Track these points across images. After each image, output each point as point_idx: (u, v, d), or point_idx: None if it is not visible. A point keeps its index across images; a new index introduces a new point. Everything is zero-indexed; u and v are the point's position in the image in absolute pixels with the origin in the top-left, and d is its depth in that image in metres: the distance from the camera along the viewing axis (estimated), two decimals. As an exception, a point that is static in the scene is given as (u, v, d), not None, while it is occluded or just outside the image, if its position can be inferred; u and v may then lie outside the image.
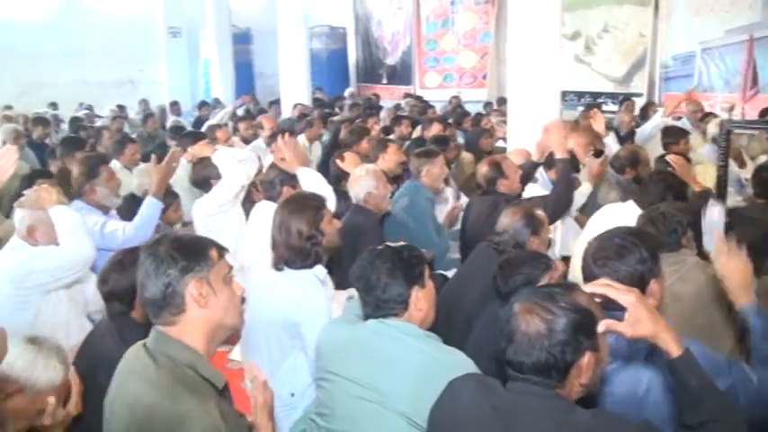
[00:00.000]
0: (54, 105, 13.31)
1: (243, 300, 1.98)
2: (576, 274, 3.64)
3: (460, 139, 7.44)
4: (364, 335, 2.29)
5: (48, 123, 8.95)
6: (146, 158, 6.11)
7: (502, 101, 11.15)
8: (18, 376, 2.12)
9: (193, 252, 1.84)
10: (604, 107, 11.07)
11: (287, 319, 2.78)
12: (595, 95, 12.47)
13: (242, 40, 16.51)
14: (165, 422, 1.68)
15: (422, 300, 2.31)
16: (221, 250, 1.92)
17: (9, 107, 12.61)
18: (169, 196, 4.49)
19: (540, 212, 3.35)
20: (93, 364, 2.53)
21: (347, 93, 14.84)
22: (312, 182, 3.93)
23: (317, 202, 3.01)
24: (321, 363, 2.42)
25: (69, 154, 5.81)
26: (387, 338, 2.23)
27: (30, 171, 5.55)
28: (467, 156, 6.68)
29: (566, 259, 4.41)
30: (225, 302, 1.87)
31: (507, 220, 3.33)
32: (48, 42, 15.19)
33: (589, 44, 12.84)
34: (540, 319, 1.69)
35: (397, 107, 11.34)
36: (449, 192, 5.57)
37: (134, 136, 7.64)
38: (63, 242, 3.29)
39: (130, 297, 2.64)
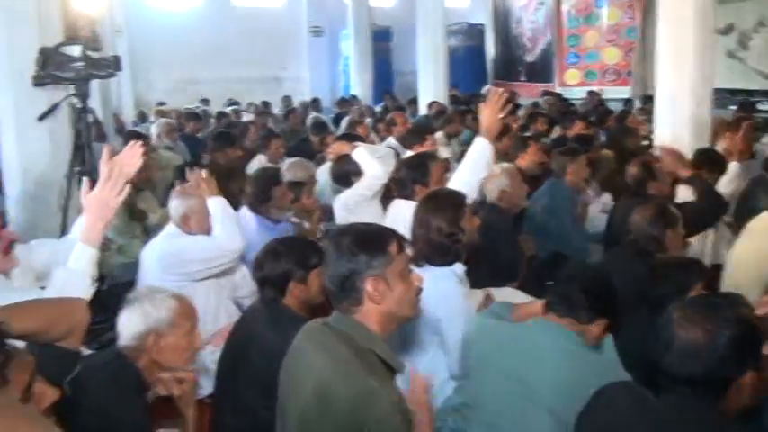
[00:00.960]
0: (205, 101, 13.99)
1: (419, 291, 2.00)
2: (728, 283, 3.44)
3: (602, 138, 7.20)
4: (516, 330, 2.26)
5: (199, 118, 9.43)
6: (289, 153, 6.32)
7: (647, 99, 10.70)
8: (145, 328, 2.24)
9: (374, 247, 1.88)
10: (759, 106, 10.38)
11: (426, 315, 2.78)
12: (749, 93, 11.72)
13: (381, 37, 16.72)
14: (351, 397, 1.74)
15: None
16: (402, 242, 1.94)
17: (162, 103, 13.39)
18: (296, 187, 4.62)
19: (673, 209, 3.22)
20: (246, 344, 2.69)
21: (484, 90, 14.72)
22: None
23: (457, 199, 2.99)
24: (469, 356, 2.41)
25: (220, 148, 6.08)
26: (539, 336, 2.19)
27: (183, 163, 5.86)
28: (607, 153, 6.45)
29: (716, 267, 4.17)
30: (400, 296, 1.90)
31: (638, 217, 3.25)
32: (198, 41, 15.97)
33: (743, 39, 12.10)
34: (701, 330, 1.60)
35: (535, 105, 11.13)
36: (590, 192, 5.40)
37: (277, 131, 7.90)
38: (216, 232, 3.44)
39: (283, 284, 2.75)
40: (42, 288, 2.75)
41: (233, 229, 3.48)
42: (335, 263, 1.88)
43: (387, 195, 4.73)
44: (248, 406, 2.66)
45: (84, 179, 2.75)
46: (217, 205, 3.52)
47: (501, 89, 3.79)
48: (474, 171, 3.59)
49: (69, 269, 2.46)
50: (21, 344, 1.68)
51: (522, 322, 2.30)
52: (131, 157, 2.60)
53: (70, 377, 1.84)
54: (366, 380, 1.76)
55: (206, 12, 16.50)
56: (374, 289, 1.85)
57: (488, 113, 3.54)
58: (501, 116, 3.58)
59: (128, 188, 2.56)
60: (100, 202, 2.49)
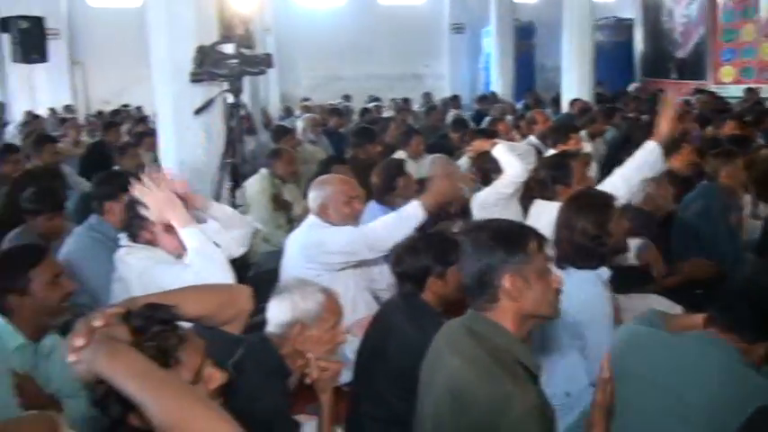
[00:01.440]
0: (347, 98, 14.31)
1: (558, 292, 1.97)
2: None
3: (760, 140, 6.74)
4: (673, 342, 2.16)
5: (342, 114, 9.67)
6: (429, 150, 6.35)
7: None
8: (292, 318, 2.30)
9: (512, 243, 1.86)
10: None
11: (567, 318, 2.71)
12: None
13: (524, 33, 16.47)
14: (487, 401, 1.73)
15: None
16: (542, 241, 1.91)
17: (307, 99, 13.81)
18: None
19: None
20: (384, 336, 2.73)
21: (631, 87, 14.17)
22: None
23: (605, 200, 2.89)
24: (615, 364, 2.33)
25: (361, 144, 6.20)
26: (700, 350, 2.07)
27: (326, 157, 6.02)
28: (764, 153, 6.02)
29: None
30: (538, 295, 1.87)
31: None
32: (342, 39, 16.35)
33: None
34: None
35: (687, 103, 10.58)
36: (747, 198, 5.07)
37: (417, 128, 7.96)
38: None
39: (421, 279, 2.77)
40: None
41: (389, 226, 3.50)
42: (473, 258, 1.87)
43: (526, 195, 4.66)
44: (384, 396, 2.70)
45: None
46: None
47: (673, 95, 3.66)
48: (639, 170, 3.50)
49: (194, 248, 2.69)
50: (188, 326, 1.76)
51: (680, 333, 2.18)
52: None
53: (233, 360, 1.92)
54: (501, 383, 1.73)
55: (350, 10, 16.86)
56: (511, 285, 1.83)
57: (667, 123, 3.46)
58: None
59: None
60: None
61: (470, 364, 1.81)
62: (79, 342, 1.43)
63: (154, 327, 1.53)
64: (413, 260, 2.80)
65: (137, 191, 2.77)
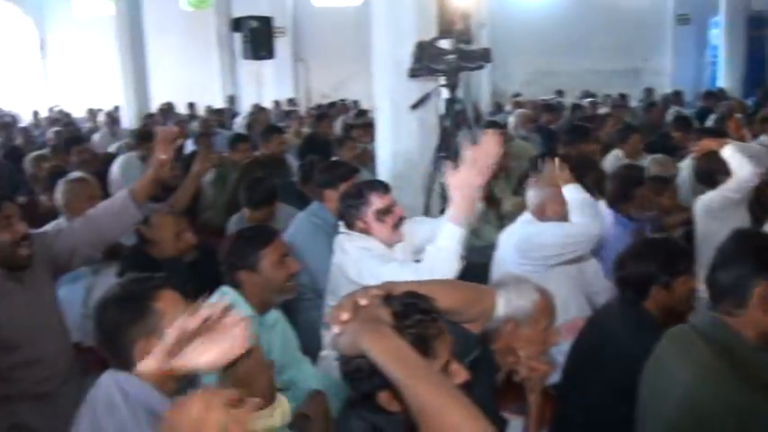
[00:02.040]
0: (560, 93, 13.98)
1: None
2: None
3: None
4: None
5: (554, 110, 9.46)
6: (648, 148, 6.04)
7: None
8: (506, 315, 2.24)
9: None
10: None
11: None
12: None
13: (757, 24, 15.15)
14: (727, 413, 1.65)
15: None
16: None
17: (518, 94, 13.65)
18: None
19: None
20: (598, 342, 2.64)
21: None
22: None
23: None
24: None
25: (574, 141, 6.03)
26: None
27: (537, 154, 5.92)
28: None
29: None
30: None
31: None
32: (557, 32, 15.98)
33: None
34: None
35: None
36: None
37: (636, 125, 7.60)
38: (573, 219, 3.41)
39: (644, 286, 2.64)
40: (417, 262, 2.99)
41: (591, 214, 3.40)
42: (728, 262, 1.80)
43: (759, 201, 4.32)
44: (596, 404, 2.61)
45: (448, 162, 2.90)
46: (573, 192, 3.46)
47: None
48: None
49: (439, 247, 2.67)
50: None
51: None
52: (492, 145, 2.67)
53: (469, 359, 1.94)
54: (739, 395, 1.62)
55: (566, 2, 16.43)
56: (764, 295, 1.72)
57: None
58: None
59: (489, 171, 2.64)
60: (464, 182, 2.60)
61: (706, 370, 1.73)
62: (345, 316, 1.51)
63: (415, 314, 1.58)
64: (636, 266, 2.67)
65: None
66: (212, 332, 1.59)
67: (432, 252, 2.71)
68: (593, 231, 3.40)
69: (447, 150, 4.60)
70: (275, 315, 2.86)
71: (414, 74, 4.52)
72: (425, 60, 4.43)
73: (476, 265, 4.24)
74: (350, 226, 3.16)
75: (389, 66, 4.77)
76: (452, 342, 1.64)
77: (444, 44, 4.51)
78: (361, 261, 3.00)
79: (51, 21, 19.24)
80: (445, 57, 4.44)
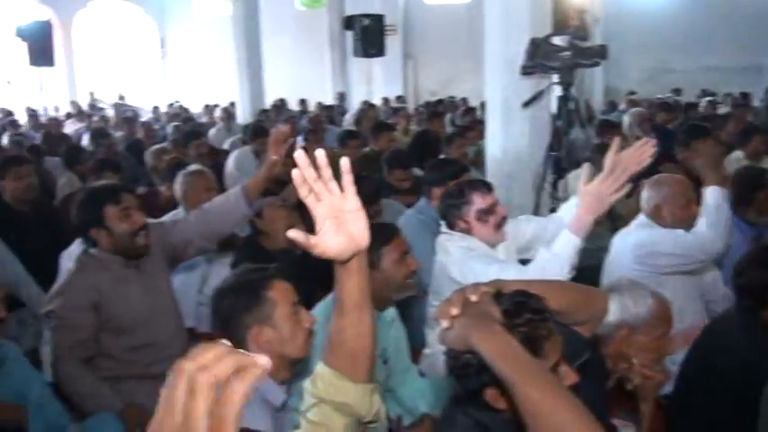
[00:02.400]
0: (677, 91, 13.46)
1: None
2: None
3: None
4: None
5: (671, 109, 9.10)
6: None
7: None
8: (620, 320, 2.19)
9: None
10: None
11: None
12: None
13: None
14: None
15: None
16: None
17: (633, 92, 13.23)
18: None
19: None
20: (716, 352, 2.54)
21: None
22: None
23: None
24: None
25: (692, 141, 5.78)
26: None
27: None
28: None
29: None
30: None
31: None
32: (674, 29, 15.38)
33: None
34: None
35: None
36: None
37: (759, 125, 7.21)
38: (699, 228, 3.25)
39: (763, 295, 2.50)
40: (522, 262, 2.95)
41: (720, 227, 3.20)
42: None
43: None
44: (710, 416, 2.50)
45: (586, 165, 2.82)
46: (712, 196, 3.22)
47: None
48: None
49: (553, 253, 2.63)
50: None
51: None
52: (640, 155, 2.57)
53: (579, 362, 1.91)
54: None
55: (686, 2, 15.77)
56: None
57: None
58: None
59: (627, 187, 2.55)
60: (596, 196, 2.54)
61: None
62: (454, 311, 1.51)
63: (526, 313, 1.56)
64: (757, 273, 2.54)
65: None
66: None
67: (544, 256, 2.67)
68: (714, 248, 3.22)
69: (558, 149, 4.52)
70: (392, 313, 2.88)
71: (526, 71, 4.46)
72: (539, 57, 4.37)
73: (587, 268, 4.15)
74: (451, 226, 3.14)
75: (501, 63, 4.72)
76: (562, 344, 1.61)
77: (559, 41, 4.43)
78: (464, 262, 2.98)
79: (172, 20, 20.12)
80: (560, 54, 4.36)
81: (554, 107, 4.78)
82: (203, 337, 3.88)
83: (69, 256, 3.59)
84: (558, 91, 4.59)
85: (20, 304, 3.97)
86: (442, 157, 5.37)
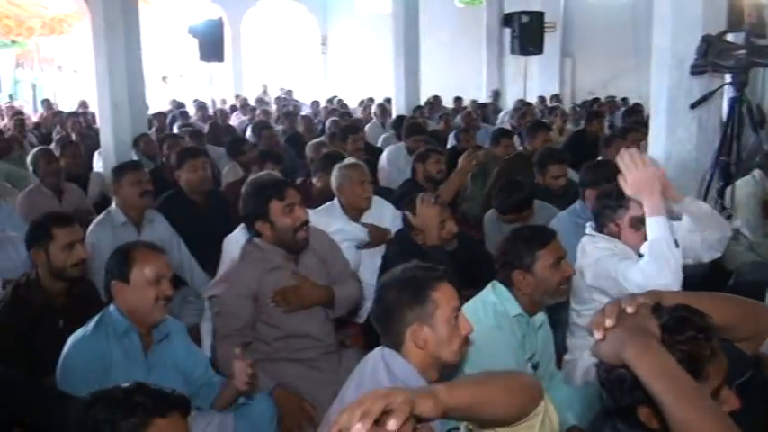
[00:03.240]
0: None
1: None
2: None
3: None
4: None
5: None
6: None
7: None
8: None
9: None
10: None
11: None
12: None
13: None
14: None
15: None
16: None
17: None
18: None
19: None
20: None
21: None
22: None
23: None
24: None
25: None
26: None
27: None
28: None
29: None
30: None
31: None
32: None
33: None
34: None
35: None
36: None
37: None
38: None
39: None
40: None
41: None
42: None
43: None
44: None
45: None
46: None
47: None
48: None
49: (650, 241, 2.63)
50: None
51: None
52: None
53: (738, 381, 1.79)
54: None
55: None
56: None
57: None
58: None
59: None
60: (638, 182, 2.64)
61: None
62: (608, 322, 1.45)
63: (688, 330, 1.46)
64: None
65: (622, 162, 2.70)
66: None
67: (647, 248, 2.65)
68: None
69: (729, 155, 4.24)
70: (542, 317, 2.84)
71: (697, 70, 4.23)
72: (711, 56, 4.13)
73: (752, 282, 3.89)
74: (601, 227, 3.07)
75: (669, 61, 4.51)
76: (726, 364, 1.49)
77: (734, 38, 4.16)
78: (598, 262, 2.93)
79: (333, 18, 20.70)
80: (734, 52, 4.10)
81: (725, 109, 4.50)
82: (349, 326, 3.99)
83: (231, 242, 3.79)
84: (730, 92, 4.30)
85: (183, 283, 4.25)
86: (599, 159, 5.19)
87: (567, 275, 2.73)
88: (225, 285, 3.13)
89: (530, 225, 3.38)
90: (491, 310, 2.68)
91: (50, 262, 3.04)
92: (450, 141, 8.62)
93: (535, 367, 2.74)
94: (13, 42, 19.84)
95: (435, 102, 12.65)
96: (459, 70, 16.99)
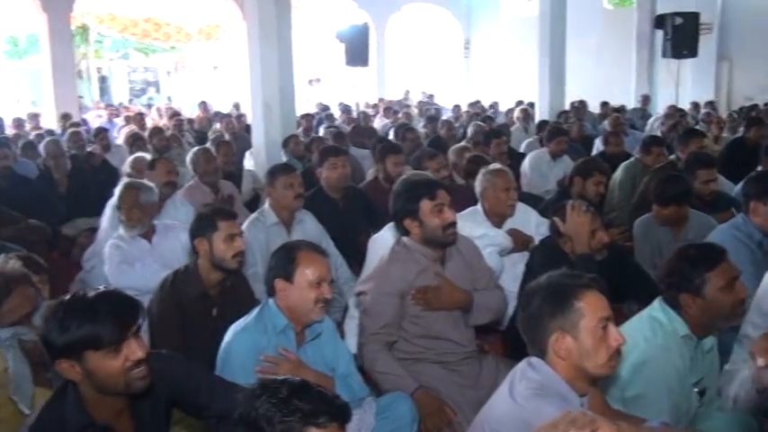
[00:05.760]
0: None
1: None
2: None
3: None
4: None
5: None
6: None
7: None
8: None
9: None
10: None
11: None
12: None
13: None
14: None
15: None
16: None
17: None
18: None
19: None
20: None
21: None
22: None
23: None
24: None
25: None
26: None
27: None
28: None
29: None
30: None
31: None
32: None
33: None
34: None
35: None
36: None
37: None
38: None
39: None
40: None
41: None
42: None
43: None
44: None
45: None
46: None
47: None
48: None
49: None
50: None
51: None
52: None
53: None
54: None
55: None
56: None
57: None
58: None
59: None
60: None
61: None
62: None
63: None
64: None
65: None
66: None
67: None
68: None
69: None
70: (712, 340, 2.66)
71: None
72: None
73: None
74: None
75: None
76: None
77: None
78: None
79: (477, 21, 20.62)
80: None
81: None
82: (490, 332, 3.96)
83: (377, 241, 3.86)
84: None
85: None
86: (759, 169, 4.88)
87: (741, 298, 2.53)
88: (373, 283, 3.18)
89: (696, 243, 3.17)
90: (659, 329, 2.53)
91: (212, 252, 3.22)
92: (597, 146, 8.38)
93: (702, 393, 2.57)
94: (173, 48, 21.23)
95: (580, 106, 12.34)
96: (606, 74, 16.50)
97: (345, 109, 13.36)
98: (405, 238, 3.21)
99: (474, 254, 3.39)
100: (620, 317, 2.52)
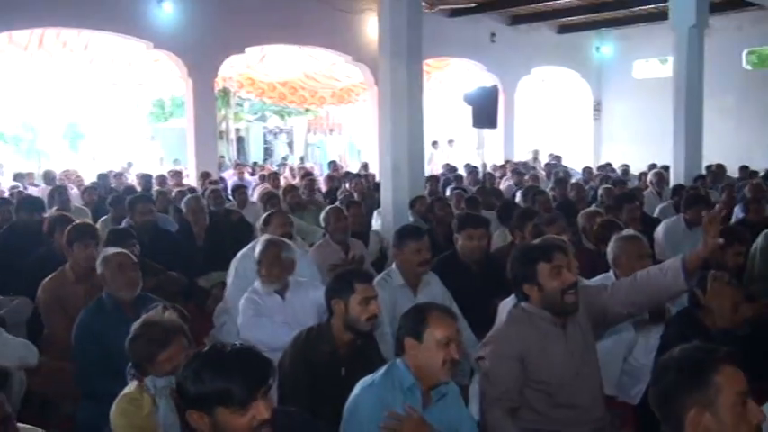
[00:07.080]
0: None
1: None
2: None
3: None
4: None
5: None
6: None
7: None
8: None
9: None
10: None
11: None
12: None
13: None
14: None
15: None
16: None
17: None
18: None
19: None
20: None
21: None
22: None
23: None
24: None
25: None
26: None
27: None
28: None
29: None
30: None
31: None
32: None
33: None
34: None
35: None
36: None
37: None
38: None
39: None
40: None
41: None
42: None
43: None
44: None
45: None
46: None
47: None
48: None
49: None
50: None
51: None
52: None
53: None
54: None
55: None
56: None
57: None
58: None
59: None
60: None
61: None
62: None
63: None
64: None
65: None
66: None
67: None
68: None
69: None
70: None
71: None
72: None
73: None
74: None
75: None
76: None
77: None
78: None
79: (608, 83, 20.28)
80: None
81: None
82: (620, 406, 3.80)
83: (506, 306, 3.83)
84: None
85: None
86: None
87: None
88: (491, 347, 3.16)
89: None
90: None
91: (347, 313, 3.30)
92: (737, 214, 7.97)
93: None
94: (307, 110, 22.12)
95: (718, 170, 11.80)
96: (745, 136, 15.76)
97: (471, 171, 13.40)
98: (524, 303, 3.17)
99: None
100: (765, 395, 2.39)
